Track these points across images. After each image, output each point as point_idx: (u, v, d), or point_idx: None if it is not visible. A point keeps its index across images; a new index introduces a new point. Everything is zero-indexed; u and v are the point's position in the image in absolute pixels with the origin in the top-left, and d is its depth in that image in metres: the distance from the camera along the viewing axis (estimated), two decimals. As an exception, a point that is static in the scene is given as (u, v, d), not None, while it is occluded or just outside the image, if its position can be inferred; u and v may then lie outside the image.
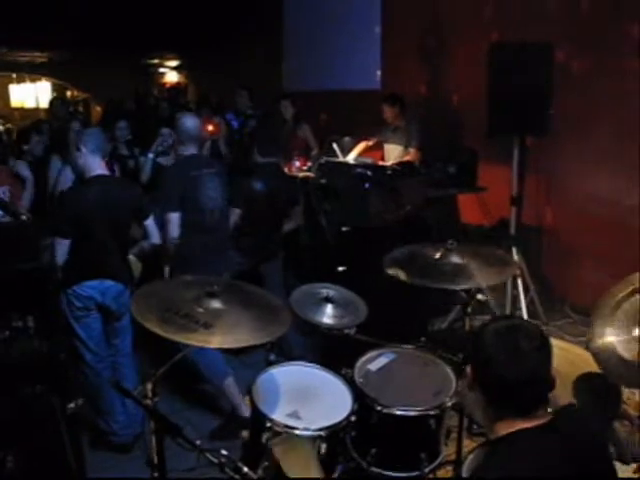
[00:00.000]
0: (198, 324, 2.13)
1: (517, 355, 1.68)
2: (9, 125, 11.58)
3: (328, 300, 3.10)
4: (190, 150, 4.22)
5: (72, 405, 2.94)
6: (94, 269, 3.68)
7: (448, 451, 2.95)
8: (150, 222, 3.94)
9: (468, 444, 3.39)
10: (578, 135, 5.57)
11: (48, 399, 2.86)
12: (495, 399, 1.72)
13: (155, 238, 4.00)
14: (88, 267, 3.67)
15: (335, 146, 6.57)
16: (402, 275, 2.84)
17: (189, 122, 4.21)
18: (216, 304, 2.25)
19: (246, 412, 3.97)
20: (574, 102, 5.48)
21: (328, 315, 3.06)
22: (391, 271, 2.91)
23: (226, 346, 2.17)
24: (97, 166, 3.73)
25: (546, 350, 1.72)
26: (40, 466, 2.87)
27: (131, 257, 3.97)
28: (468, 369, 1.76)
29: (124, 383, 3.91)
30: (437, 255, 2.97)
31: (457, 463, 3.03)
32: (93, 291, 3.66)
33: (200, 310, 2.21)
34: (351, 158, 6.52)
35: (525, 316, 5.24)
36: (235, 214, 4.63)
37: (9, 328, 2.93)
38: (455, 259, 2.92)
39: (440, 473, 3.04)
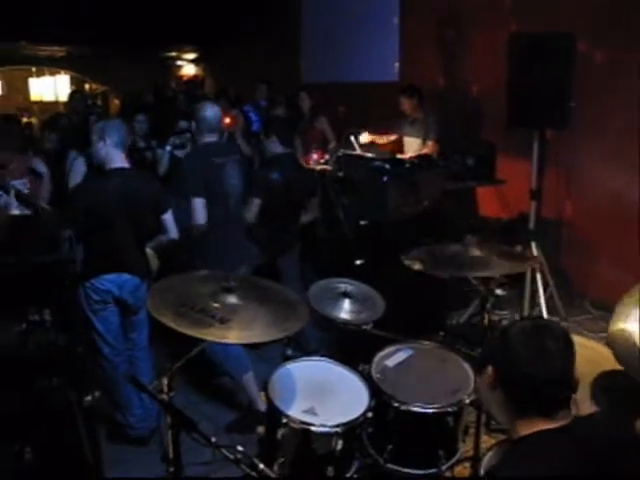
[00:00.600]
0: (214, 319, 2.11)
1: (545, 354, 1.66)
2: (32, 119, 11.66)
3: (346, 295, 3.08)
4: (211, 139, 4.19)
5: (89, 398, 2.94)
6: (112, 262, 3.66)
7: (466, 447, 2.92)
8: (168, 216, 3.92)
9: (486, 440, 3.35)
10: (599, 128, 5.49)
11: (65, 392, 2.86)
12: (519, 399, 1.69)
13: (173, 233, 3.96)
14: (106, 260, 3.66)
15: (353, 139, 6.53)
16: (417, 265, 2.80)
17: (209, 111, 4.14)
18: (232, 299, 2.24)
19: (262, 406, 3.97)
20: (595, 94, 5.40)
21: (345, 310, 3.04)
22: (409, 263, 2.87)
23: (242, 341, 2.16)
24: (118, 159, 3.70)
25: (571, 350, 1.70)
26: (57, 458, 2.87)
27: (149, 251, 3.94)
28: (489, 369, 1.72)
29: (140, 377, 3.91)
30: (456, 249, 2.94)
31: (475, 459, 3.00)
32: (111, 284, 3.65)
33: (216, 305, 2.19)
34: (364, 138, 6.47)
35: (544, 311, 5.19)
36: (255, 205, 4.61)
37: (26, 321, 2.94)
38: (474, 252, 2.88)
39: (458, 469, 3.02)
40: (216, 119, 4.19)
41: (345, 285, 3.13)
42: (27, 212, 4.36)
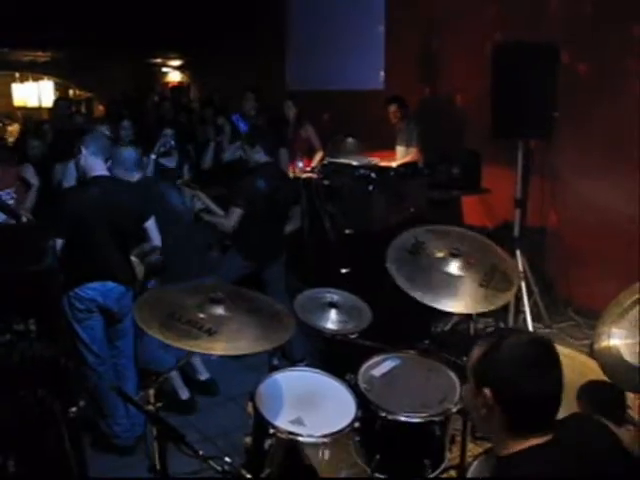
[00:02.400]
0: (201, 330, 2.11)
1: (540, 370, 1.66)
2: (14, 126, 11.55)
3: (332, 305, 3.08)
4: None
5: (74, 409, 2.91)
6: (95, 271, 3.66)
7: (452, 455, 2.93)
8: (150, 224, 3.94)
9: (472, 448, 3.37)
10: (582, 138, 5.54)
11: (49, 403, 2.83)
12: (517, 416, 1.67)
13: (156, 240, 3.98)
14: (89, 268, 3.66)
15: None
16: (406, 286, 2.78)
17: (126, 153, 4.20)
18: (219, 310, 2.24)
19: (184, 395, 4.29)
20: (579, 105, 5.45)
21: (332, 320, 3.04)
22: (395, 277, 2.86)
23: (230, 353, 2.15)
24: (98, 167, 3.72)
25: (559, 362, 1.70)
26: (41, 470, 2.85)
27: (133, 259, 3.93)
28: (485, 391, 1.67)
29: (126, 385, 3.92)
30: (440, 255, 2.91)
31: (460, 468, 3.01)
32: (95, 293, 3.65)
33: (203, 316, 2.19)
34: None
35: (529, 319, 5.22)
36: (236, 214, 4.62)
37: (10, 331, 2.90)
38: (453, 269, 2.85)
39: (443, 477, 3.03)
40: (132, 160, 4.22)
41: (331, 295, 3.14)
42: (9, 222, 4.36)
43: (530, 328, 5.14)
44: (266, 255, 4.90)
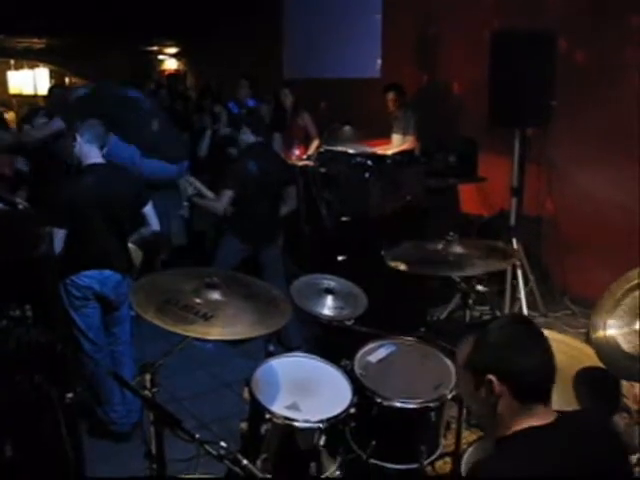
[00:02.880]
0: (197, 315, 2.11)
1: (531, 342, 1.70)
2: (10, 113, 11.50)
3: (328, 291, 3.09)
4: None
5: (71, 395, 2.92)
6: (92, 258, 3.65)
7: (446, 442, 2.95)
8: (149, 209, 3.94)
9: (467, 436, 3.39)
10: (580, 127, 5.53)
11: (46, 389, 2.84)
12: (523, 389, 1.68)
13: (155, 224, 3.99)
14: (86, 257, 3.64)
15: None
16: (402, 266, 2.82)
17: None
18: (215, 295, 2.24)
19: None
20: (576, 93, 5.44)
21: (328, 307, 3.06)
22: (392, 263, 2.89)
23: (226, 338, 2.15)
24: (93, 154, 3.71)
25: (542, 334, 1.75)
26: (38, 455, 2.86)
27: (131, 245, 3.95)
28: (490, 378, 1.67)
29: (122, 371, 3.90)
30: (439, 247, 2.96)
31: (455, 455, 3.02)
32: (91, 281, 3.64)
33: (199, 301, 2.19)
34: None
35: (524, 307, 5.24)
36: (227, 196, 4.62)
37: (6, 317, 2.91)
38: (456, 249, 2.91)
39: (438, 464, 3.05)
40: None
41: (328, 281, 3.15)
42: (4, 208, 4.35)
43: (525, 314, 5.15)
44: (262, 237, 4.91)
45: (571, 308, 5.73)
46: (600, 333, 2.65)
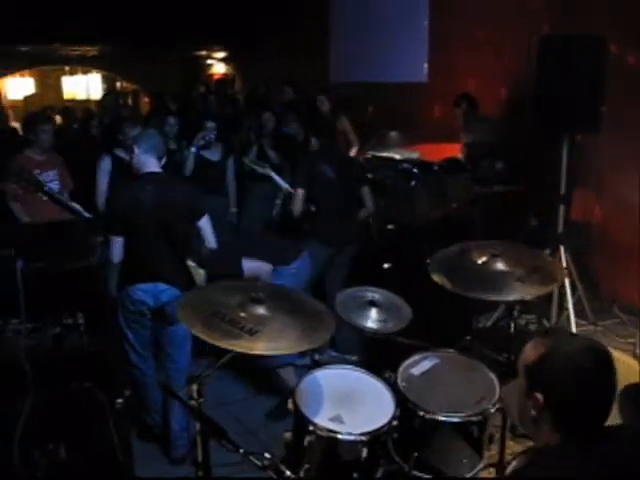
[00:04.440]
0: (243, 330, 2.16)
1: (595, 382, 1.67)
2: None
3: (373, 304, 3.11)
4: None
5: (120, 400, 3.00)
6: (146, 271, 3.60)
7: (491, 452, 2.94)
8: (204, 223, 3.80)
9: (511, 446, 3.37)
10: (630, 131, 5.42)
11: (96, 394, 2.93)
12: (564, 422, 1.70)
13: (211, 242, 3.84)
14: (140, 269, 3.61)
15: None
16: (447, 284, 2.84)
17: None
18: (261, 310, 2.28)
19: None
20: (626, 97, 5.34)
21: (372, 319, 3.07)
22: (436, 278, 2.90)
23: (270, 353, 2.19)
24: (150, 164, 3.67)
25: (613, 369, 1.71)
26: (89, 457, 2.95)
27: (191, 263, 3.84)
28: (537, 396, 1.70)
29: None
30: (482, 260, 2.95)
31: (499, 466, 3.01)
32: (145, 295, 3.61)
33: (244, 315, 2.24)
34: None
35: (572, 316, 5.15)
36: (300, 194, 4.71)
37: (60, 324, 3.01)
38: (500, 266, 2.89)
39: (482, 475, 3.04)
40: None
41: (372, 294, 3.16)
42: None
43: (573, 325, 5.08)
44: (338, 242, 4.90)
45: (620, 317, 5.62)
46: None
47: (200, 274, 3.90)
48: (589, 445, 1.66)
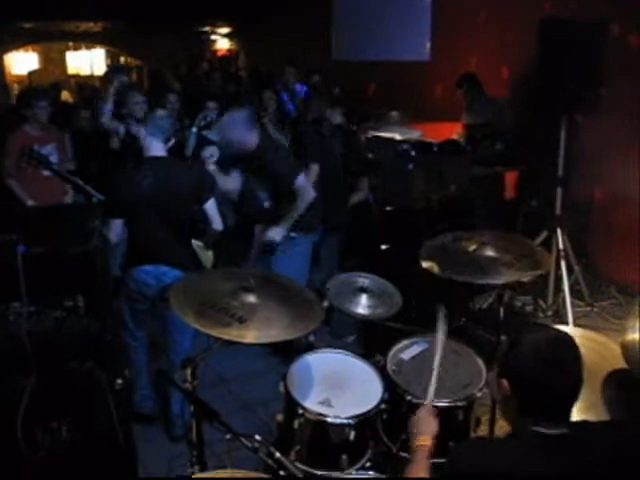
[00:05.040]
0: (233, 318, 2.22)
1: (557, 368, 1.74)
2: (65, 93, 11.82)
3: (363, 290, 3.16)
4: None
5: (120, 381, 3.08)
6: (148, 253, 3.67)
7: (480, 433, 3.01)
8: (210, 206, 3.82)
9: (502, 425, 3.43)
10: (630, 113, 5.42)
11: (97, 375, 2.99)
12: (529, 407, 1.78)
13: (217, 223, 3.87)
14: (143, 251, 3.68)
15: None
16: (436, 269, 2.89)
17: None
18: (251, 298, 2.34)
19: None
20: (627, 78, 5.33)
21: (363, 305, 3.12)
22: (425, 264, 2.95)
23: (261, 341, 2.25)
24: (154, 147, 3.69)
25: (580, 361, 1.78)
26: (90, 437, 3.02)
27: (196, 243, 3.88)
28: (504, 382, 1.80)
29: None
30: (472, 247, 3.00)
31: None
32: (148, 276, 3.67)
33: (236, 304, 2.30)
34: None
35: (568, 297, 5.20)
36: (314, 170, 4.73)
37: (61, 307, 3.07)
38: (489, 252, 2.94)
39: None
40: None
41: (363, 280, 3.21)
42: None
43: (569, 306, 5.13)
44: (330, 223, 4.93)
45: (617, 297, 5.68)
46: (630, 336, 2.66)
47: (208, 256, 3.95)
48: (552, 433, 1.74)
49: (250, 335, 2.22)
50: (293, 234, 4.31)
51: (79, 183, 4.36)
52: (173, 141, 3.96)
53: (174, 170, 3.77)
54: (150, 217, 3.63)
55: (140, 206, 3.61)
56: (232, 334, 2.18)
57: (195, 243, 3.93)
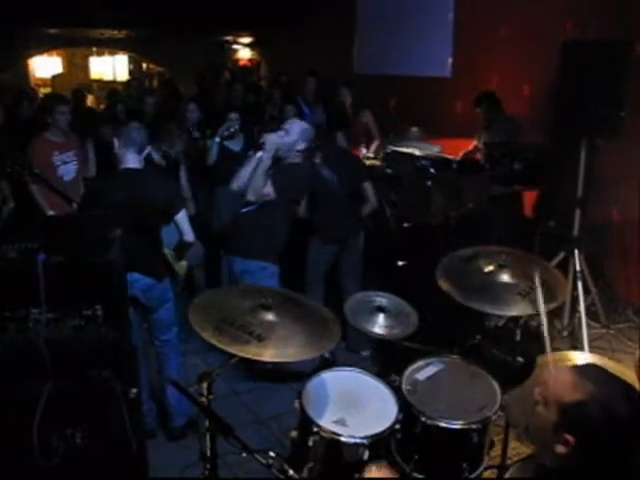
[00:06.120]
0: (252, 336, 2.24)
1: (630, 433, 1.71)
2: (90, 97, 11.95)
3: (381, 309, 3.16)
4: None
5: (134, 390, 3.10)
6: None
7: (494, 454, 3.00)
8: (180, 217, 3.93)
9: (516, 447, 3.42)
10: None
11: (112, 384, 3.02)
12: (587, 466, 1.77)
13: (187, 235, 3.99)
14: None
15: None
16: (451, 291, 2.89)
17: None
18: (269, 316, 2.36)
19: None
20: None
21: (380, 325, 3.11)
22: (442, 283, 2.96)
23: (278, 360, 2.27)
24: (128, 159, 3.79)
25: None
26: (104, 444, 3.05)
27: (168, 252, 4.02)
28: (569, 437, 1.75)
29: (168, 371, 4.14)
30: (488, 269, 2.99)
31: (501, 467, 3.07)
32: None
33: (254, 321, 2.32)
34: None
35: (584, 319, 5.16)
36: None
37: (80, 316, 3.09)
38: (504, 277, 2.93)
39: (486, 474, 3.09)
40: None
41: (380, 299, 3.22)
42: None
43: (584, 329, 5.09)
44: (342, 237, 5.03)
45: (634, 320, 5.64)
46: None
47: (182, 266, 4.12)
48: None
49: (268, 353, 2.23)
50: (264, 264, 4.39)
51: (58, 190, 4.47)
52: (148, 150, 4.03)
53: (147, 183, 3.85)
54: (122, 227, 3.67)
55: (113, 216, 3.58)
56: (251, 352, 2.19)
57: (168, 252, 4.05)
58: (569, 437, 1.74)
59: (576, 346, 5.13)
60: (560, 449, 1.76)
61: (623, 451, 1.72)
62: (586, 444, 1.74)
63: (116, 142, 3.82)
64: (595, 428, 1.72)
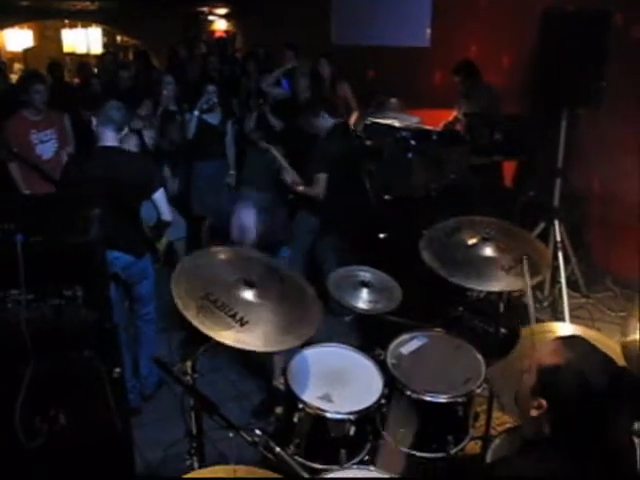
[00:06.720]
0: (234, 319, 2.21)
1: (602, 402, 1.73)
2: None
3: (364, 284, 3.15)
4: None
5: (118, 370, 3.08)
6: None
7: (477, 424, 3.02)
8: (158, 196, 3.95)
9: (499, 416, 3.45)
10: (630, 106, 5.40)
11: (95, 363, 3.00)
12: (560, 429, 1.78)
13: (165, 214, 4.02)
14: None
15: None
16: (433, 263, 2.87)
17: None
18: (251, 295, 2.32)
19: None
20: (629, 71, 5.30)
21: (363, 300, 3.11)
22: (425, 257, 2.94)
23: (259, 349, 2.23)
24: (106, 137, 3.80)
25: (620, 388, 1.76)
26: (88, 424, 3.03)
27: (149, 231, 4.09)
28: (542, 402, 1.78)
29: (143, 347, 4.22)
30: (472, 241, 2.97)
31: (485, 438, 3.09)
32: None
33: (236, 300, 2.28)
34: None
35: (564, 289, 5.20)
36: (322, 179, 4.81)
37: (60, 296, 3.06)
38: (487, 251, 2.91)
39: (469, 446, 3.12)
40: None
41: (364, 274, 3.21)
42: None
43: (565, 299, 5.14)
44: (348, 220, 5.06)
45: (613, 289, 5.70)
46: (632, 336, 2.68)
47: (162, 243, 4.26)
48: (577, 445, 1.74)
49: (248, 340, 2.19)
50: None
51: (39, 168, 4.42)
52: (126, 130, 4.03)
53: (123, 160, 3.86)
54: (101, 204, 3.62)
55: (89, 195, 3.59)
56: (231, 338, 2.16)
57: (147, 229, 4.12)
58: (542, 401, 1.77)
59: (557, 316, 5.19)
60: (534, 412, 1.79)
61: (596, 423, 1.73)
62: (558, 410, 1.76)
63: (94, 120, 3.81)
64: (567, 394, 1.74)
